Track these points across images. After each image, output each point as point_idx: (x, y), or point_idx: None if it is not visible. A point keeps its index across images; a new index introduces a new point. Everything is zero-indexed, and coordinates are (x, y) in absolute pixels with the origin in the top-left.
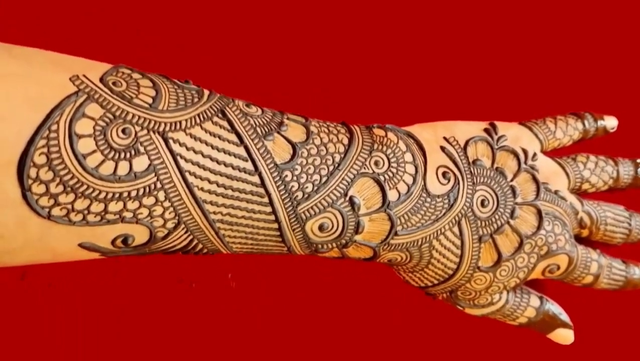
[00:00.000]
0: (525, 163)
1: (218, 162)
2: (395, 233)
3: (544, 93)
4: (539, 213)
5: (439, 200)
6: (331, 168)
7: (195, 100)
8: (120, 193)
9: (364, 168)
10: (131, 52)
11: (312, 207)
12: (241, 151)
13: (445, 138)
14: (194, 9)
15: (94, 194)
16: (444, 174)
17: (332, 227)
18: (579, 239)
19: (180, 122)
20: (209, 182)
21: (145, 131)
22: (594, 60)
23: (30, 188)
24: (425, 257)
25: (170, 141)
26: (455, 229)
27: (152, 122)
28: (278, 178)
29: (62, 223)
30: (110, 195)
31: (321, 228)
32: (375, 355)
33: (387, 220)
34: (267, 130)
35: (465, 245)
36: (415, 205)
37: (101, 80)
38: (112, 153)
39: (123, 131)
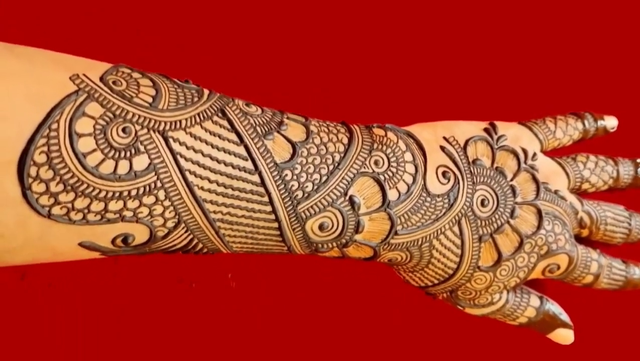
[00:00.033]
0: (525, 162)
1: (218, 161)
2: (396, 233)
3: (544, 94)
4: (539, 212)
5: (439, 200)
6: (331, 167)
7: (195, 99)
8: (121, 192)
9: (364, 167)
10: (131, 52)
11: (312, 206)
12: (241, 150)
13: (445, 138)
14: (194, 9)
15: (94, 193)
16: (443, 174)
17: (332, 226)
18: (579, 239)
19: (180, 121)
20: (209, 181)
21: (145, 130)
22: (593, 60)
23: (31, 187)
24: (426, 257)
25: (170, 140)
26: (456, 229)
27: (152, 121)
28: (278, 177)
29: (62, 222)
30: (110, 194)
31: (321, 227)
32: (376, 354)
33: (387, 219)
34: (267, 130)
35: (465, 244)
36: (415, 204)
37: (101, 79)
38: (112, 152)
39: (123, 130)
